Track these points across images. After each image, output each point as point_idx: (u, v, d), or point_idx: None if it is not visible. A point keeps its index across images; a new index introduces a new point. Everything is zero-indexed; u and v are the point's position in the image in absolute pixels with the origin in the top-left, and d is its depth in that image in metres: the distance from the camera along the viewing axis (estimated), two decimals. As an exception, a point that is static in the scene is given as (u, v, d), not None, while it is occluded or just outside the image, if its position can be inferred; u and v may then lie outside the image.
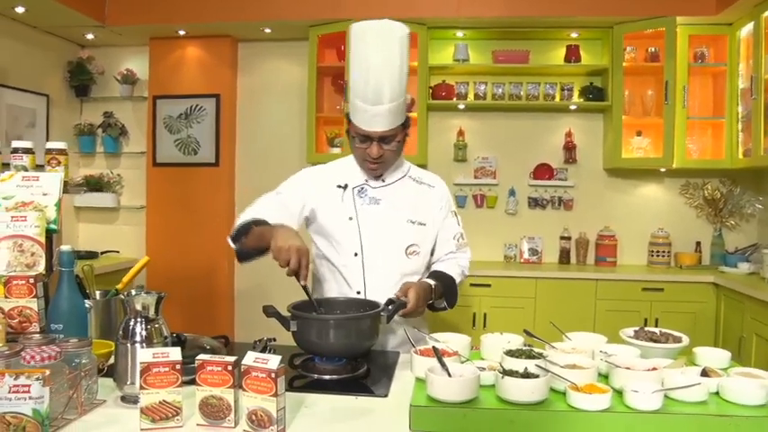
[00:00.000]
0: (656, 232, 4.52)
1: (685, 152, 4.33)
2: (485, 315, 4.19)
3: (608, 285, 4.17)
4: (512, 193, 4.71)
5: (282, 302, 1.84)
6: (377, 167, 2.05)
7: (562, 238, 4.63)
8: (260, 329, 2.14)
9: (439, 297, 2.08)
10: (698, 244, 4.54)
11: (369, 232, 2.06)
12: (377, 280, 2.03)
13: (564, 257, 4.62)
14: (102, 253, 4.83)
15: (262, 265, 5.45)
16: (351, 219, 2.06)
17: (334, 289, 2.12)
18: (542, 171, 4.69)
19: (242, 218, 2.02)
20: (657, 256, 4.49)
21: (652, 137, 4.45)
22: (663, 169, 4.50)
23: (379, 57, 1.88)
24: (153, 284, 4.77)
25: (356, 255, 2.05)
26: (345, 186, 2.10)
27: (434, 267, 2.16)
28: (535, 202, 4.72)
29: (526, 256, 4.67)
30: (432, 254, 2.20)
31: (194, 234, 4.83)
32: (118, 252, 4.92)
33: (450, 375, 1.43)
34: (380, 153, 1.99)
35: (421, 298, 1.91)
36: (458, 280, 2.15)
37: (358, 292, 2.05)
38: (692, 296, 4.08)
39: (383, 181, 2.11)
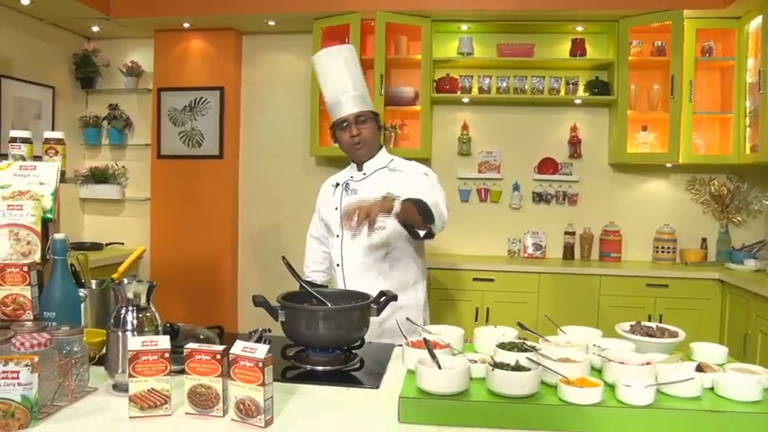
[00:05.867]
0: (661, 228, 4.49)
1: (692, 147, 4.29)
2: (487, 309, 4.18)
3: (612, 281, 4.14)
4: (516, 187, 4.69)
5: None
6: (361, 146, 2.35)
7: (566, 233, 4.60)
8: (264, 322, 2.12)
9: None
10: (704, 240, 4.50)
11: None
12: (350, 254, 2.35)
13: (568, 253, 4.59)
14: (107, 245, 4.85)
15: (265, 257, 5.40)
16: (336, 209, 2.41)
17: (328, 263, 2.54)
18: (547, 165, 4.67)
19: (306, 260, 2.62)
20: (662, 252, 4.46)
21: (658, 132, 4.41)
22: (669, 164, 4.47)
23: (336, 66, 2.33)
24: (156, 276, 4.78)
25: (338, 236, 2.40)
26: (337, 185, 2.48)
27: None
28: (539, 197, 4.70)
29: (530, 250, 4.64)
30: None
31: (198, 226, 4.83)
32: (123, 244, 4.93)
33: (440, 367, 1.42)
34: (359, 131, 2.32)
35: (410, 207, 2.00)
36: (431, 203, 2.08)
37: (338, 265, 2.38)
38: (698, 293, 4.04)
39: (364, 174, 2.41)
